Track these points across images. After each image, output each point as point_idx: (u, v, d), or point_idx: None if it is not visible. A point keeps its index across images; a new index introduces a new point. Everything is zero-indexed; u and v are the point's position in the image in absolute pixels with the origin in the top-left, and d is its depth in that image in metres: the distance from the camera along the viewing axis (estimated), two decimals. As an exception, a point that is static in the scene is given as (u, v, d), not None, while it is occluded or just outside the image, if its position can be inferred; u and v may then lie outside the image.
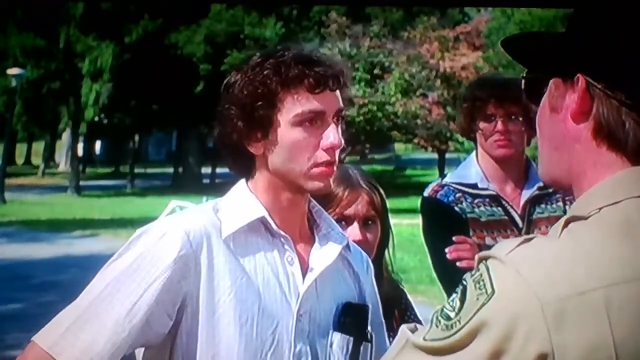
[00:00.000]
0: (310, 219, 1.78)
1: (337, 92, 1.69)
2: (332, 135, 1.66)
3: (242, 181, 1.73)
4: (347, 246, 1.80)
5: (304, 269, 1.70)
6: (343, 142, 1.68)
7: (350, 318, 1.71)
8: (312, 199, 1.77)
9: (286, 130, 1.65)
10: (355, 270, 1.82)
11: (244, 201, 1.70)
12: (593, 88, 1.12)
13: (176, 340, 1.61)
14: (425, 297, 9.55)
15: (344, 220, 2.16)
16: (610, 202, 1.09)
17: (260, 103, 1.65)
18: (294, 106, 1.64)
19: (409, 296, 2.46)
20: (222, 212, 1.68)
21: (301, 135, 1.65)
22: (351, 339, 1.70)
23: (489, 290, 1.03)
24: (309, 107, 1.64)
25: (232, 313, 1.61)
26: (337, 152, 1.68)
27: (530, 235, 1.09)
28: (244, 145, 1.68)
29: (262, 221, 1.68)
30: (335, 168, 1.69)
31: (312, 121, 1.65)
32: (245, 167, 1.72)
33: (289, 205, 1.71)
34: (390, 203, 2.32)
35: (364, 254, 1.89)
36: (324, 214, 1.80)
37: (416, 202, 2.94)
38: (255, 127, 1.66)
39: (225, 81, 1.72)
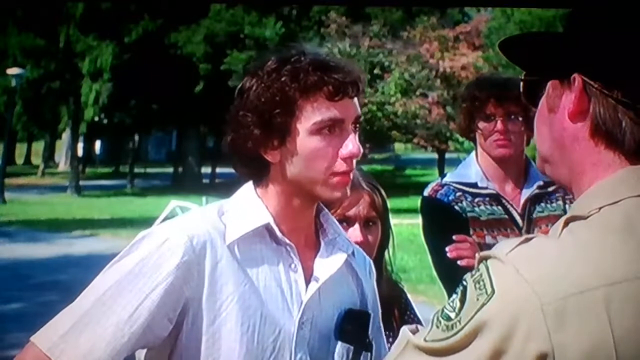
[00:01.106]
0: (317, 223, 1.75)
1: (355, 98, 1.65)
2: (352, 144, 1.62)
3: (250, 184, 1.70)
4: (352, 252, 1.78)
5: (308, 276, 1.68)
6: (362, 150, 1.64)
7: (352, 326, 1.69)
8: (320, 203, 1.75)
9: (304, 138, 1.61)
10: (359, 277, 1.80)
11: (250, 206, 1.67)
12: (590, 88, 1.12)
13: (177, 343, 1.60)
14: (426, 297, 9.55)
15: (345, 221, 2.15)
16: (610, 201, 1.09)
17: (278, 110, 1.60)
18: (313, 114, 1.61)
19: (408, 295, 2.46)
20: (226, 216, 1.65)
21: (320, 144, 1.61)
22: (351, 347, 1.68)
23: (489, 290, 1.03)
24: (329, 115, 1.61)
25: (234, 320, 1.59)
26: (354, 161, 1.65)
27: (530, 235, 1.09)
28: (259, 153, 1.64)
29: (267, 228, 1.65)
30: (351, 177, 1.66)
31: (331, 129, 1.62)
32: (257, 173, 1.68)
33: (298, 212, 1.68)
34: (390, 203, 2.32)
35: (367, 258, 1.87)
36: (330, 218, 1.77)
37: (416, 201, 2.93)
38: (273, 134, 1.62)
39: (239, 86, 1.68)
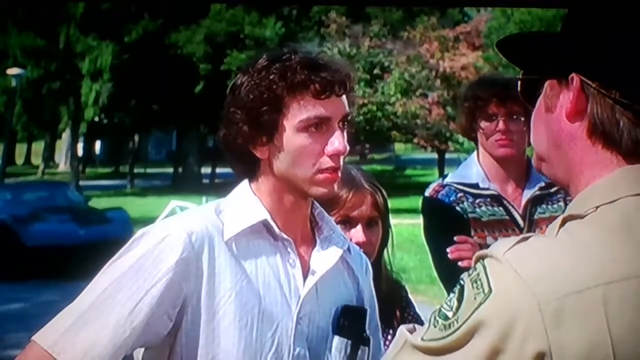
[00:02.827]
0: (312, 221, 1.77)
1: (343, 97, 1.67)
2: (337, 141, 1.64)
3: (245, 182, 1.72)
4: (348, 248, 1.79)
5: (305, 271, 1.70)
6: (348, 148, 1.67)
7: (349, 321, 1.71)
8: (314, 200, 1.76)
9: (291, 135, 1.64)
10: (355, 273, 1.81)
11: (247, 203, 1.69)
12: (587, 87, 1.12)
13: (176, 341, 1.61)
14: (426, 297, 9.56)
15: (348, 222, 2.17)
16: (607, 200, 1.09)
17: (265, 108, 1.63)
18: (299, 112, 1.63)
19: (409, 294, 2.47)
20: (224, 214, 1.67)
21: (306, 141, 1.64)
22: (349, 342, 1.69)
23: (486, 290, 1.03)
24: (315, 113, 1.63)
25: (232, 315, 1.60)
26: (341, 158, 1.67)
27: (528, 234, 1.09)
28: (248, 149, 1.67)
29: (265, 224, 1.67)
30: (339, 174, 1.68)
31: (318, 127, 1.64)
32: (249, 169, 1.71)
33: (292, 208, 1.70)
34: (390, 203, 2.32)
35: (363, 255, 1.89)
36: (325, 216, 1.79)
37: (416, 202, 2.94)
38: (261, 131, 1.65)
39: (231, 83, 1.71)
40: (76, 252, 12.81)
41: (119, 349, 1.54)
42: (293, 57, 1.65)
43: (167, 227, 1.63)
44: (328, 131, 1.65)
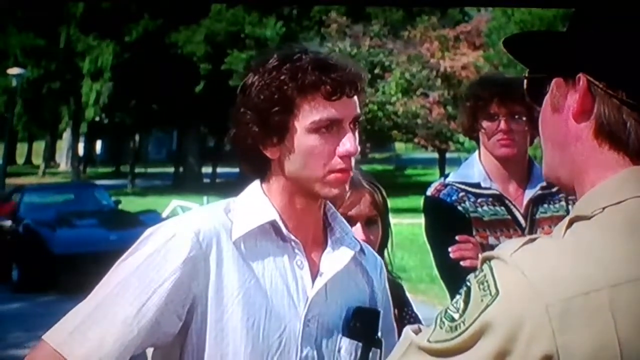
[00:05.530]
0: (325, 222, 1.76)
1: (354, 98, 1.67)
2: (349, 142, 1.64)
3: (257, 182, 1.72)
4: (362, 250, 1.79)
5: (314, 273, 1.69)
6: (359, 148, 1.66)
7: (360, 323, 1.69)
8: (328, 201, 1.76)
9: (302, 136, 1.63)
10: (369, 275, 1.80)
11: (257, 203, 1.68)
12: (594, 87, 1.11)
13: (186, 341, 1.61)
14: (426, 297, 9.55)
15: (347, 221, 2.16)
16: (614, 201, 1.09)
17: (276, 109, 1.62)
18: (310, 113, 1.62)
19: (407, 293, 2.46)
20: (233, 213, 1.67)
21: (317, 142, 1.63)
22: (360, 344, 1.68)
23: (493, 291, 1.03)
24: (326, 114, 1.62)
25: (240, 315, 1.60)
26: (352, 159, 1.66)
27: (534, 236, 1.08)
28: (259, 149, 1.66)
29: (273, 224, 1.67)
30: (350, 174, 1.67)
31: (329, 128, 1.63)
32: (259, 169, 1.70)
33: (303, 209, 1.69)
34: (390, 202, 2.33)
35: (378, 258, 1.88)
36: (338, 217, 1.78)
37: (416, 201, 2.95)
38: (271, 132, 1.64)
39: (242, 82, 1.70)
40: (108, 258, 12.12)
41: (126, 348, 1.54)
42: (304, 57, 1.64)
43: (175, 226, 1.63)
44: (339, 132, 1.64)
